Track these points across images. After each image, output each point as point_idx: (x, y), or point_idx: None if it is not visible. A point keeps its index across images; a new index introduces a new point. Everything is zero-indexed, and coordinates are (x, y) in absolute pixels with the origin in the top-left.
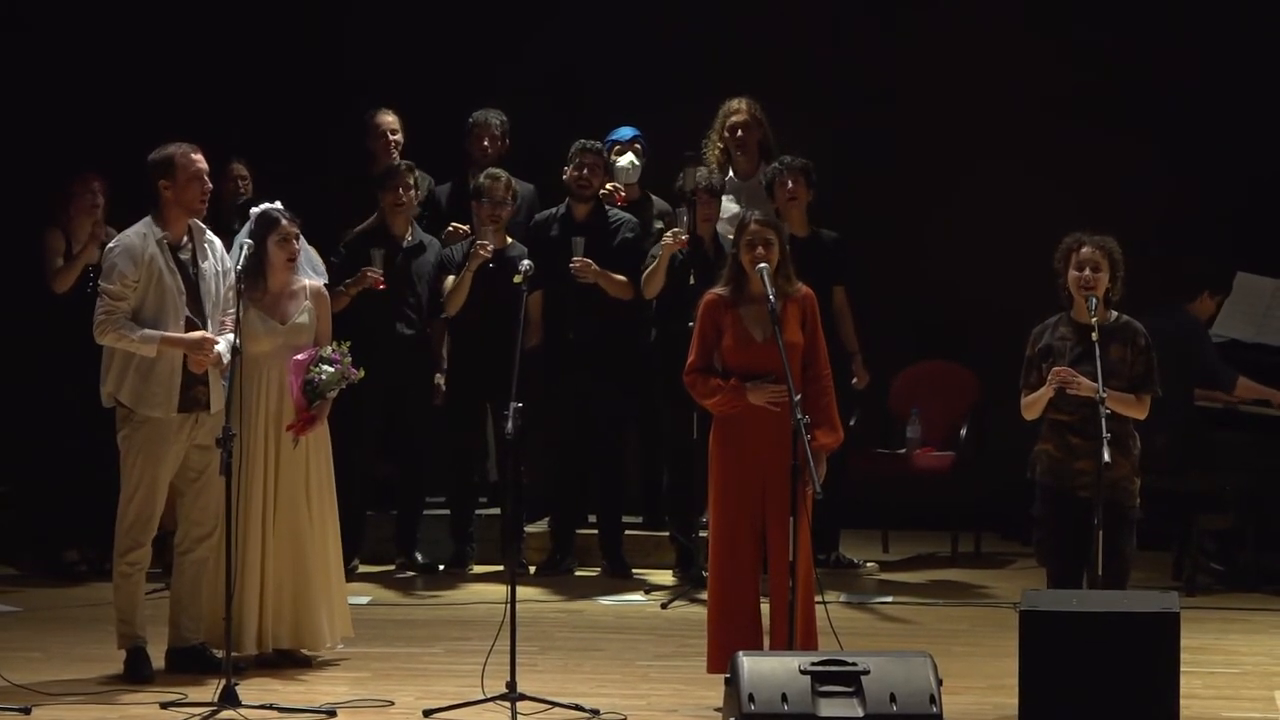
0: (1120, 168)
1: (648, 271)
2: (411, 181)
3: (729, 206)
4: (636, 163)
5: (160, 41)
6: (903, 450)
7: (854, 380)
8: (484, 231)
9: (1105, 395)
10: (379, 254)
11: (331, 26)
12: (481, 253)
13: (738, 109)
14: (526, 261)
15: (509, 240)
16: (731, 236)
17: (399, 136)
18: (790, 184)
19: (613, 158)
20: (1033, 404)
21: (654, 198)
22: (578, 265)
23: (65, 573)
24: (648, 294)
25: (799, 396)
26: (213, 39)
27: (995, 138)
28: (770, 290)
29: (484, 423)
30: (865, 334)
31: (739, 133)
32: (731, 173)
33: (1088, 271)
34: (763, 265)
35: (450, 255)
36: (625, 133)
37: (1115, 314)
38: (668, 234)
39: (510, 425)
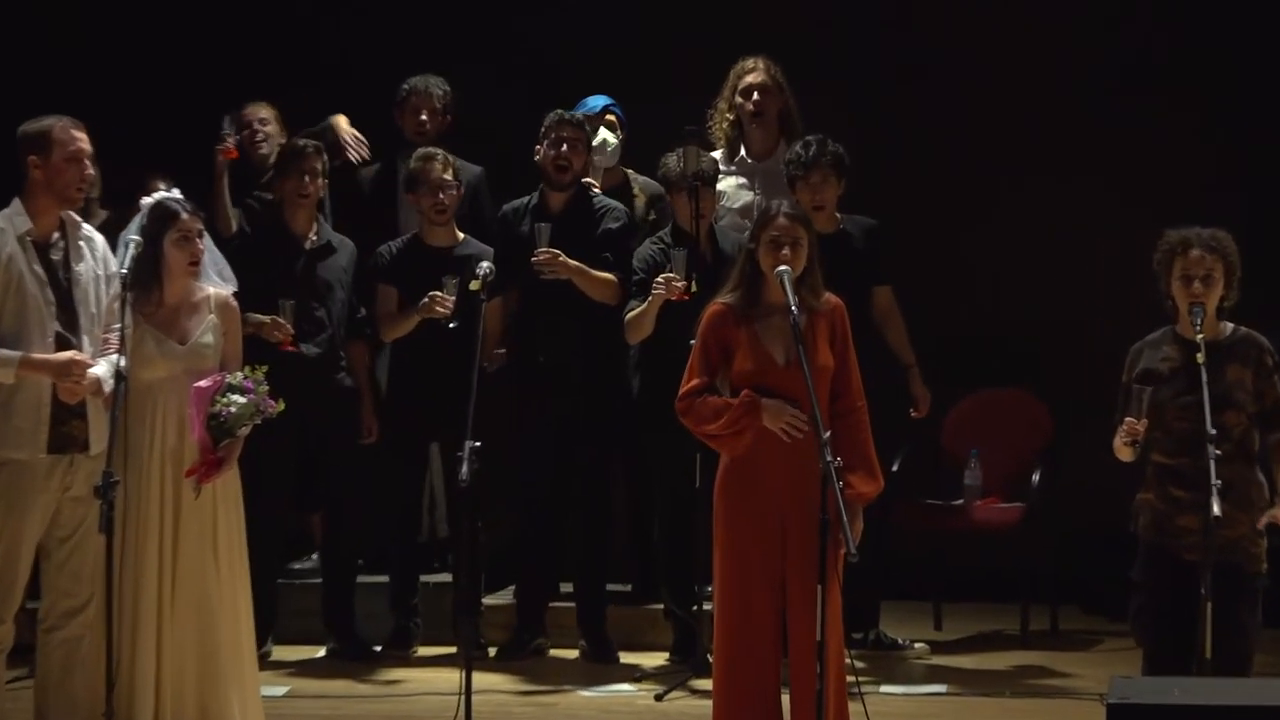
0: (1210, 160)
1: (632, 314)
2: (319, 167)
3: (740, 193)
4: (613, 140)
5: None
6: (960, 501)
7: (912, 410)
8: (429, 230)
9: (1213, 433)
10: (289, 305)
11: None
12: (439, 310)
13: (753, 69)
14: (485, 263)
15: (461, 236)
16: (734, 231)
17: (269, 128)
18: (818, 181)
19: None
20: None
21: (639, 179)
22: (543, 258)
23: None
24: (630, 340)
25: (828, 434)
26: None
27: (1065, 118)
28: (793, 299)
29: (430, 466)
30: None
31: (755, 99)
32: (744, 151)
33: (1197, 285)
34: (783, 268)
35: (386, 253)
36: (595, 103)
37: (1232, 327)
38: (659, 279)
39: (465, 469)
